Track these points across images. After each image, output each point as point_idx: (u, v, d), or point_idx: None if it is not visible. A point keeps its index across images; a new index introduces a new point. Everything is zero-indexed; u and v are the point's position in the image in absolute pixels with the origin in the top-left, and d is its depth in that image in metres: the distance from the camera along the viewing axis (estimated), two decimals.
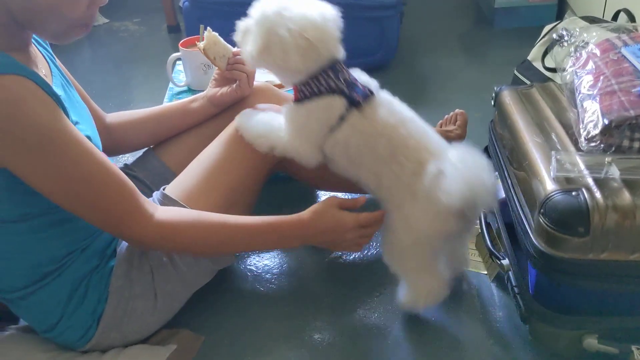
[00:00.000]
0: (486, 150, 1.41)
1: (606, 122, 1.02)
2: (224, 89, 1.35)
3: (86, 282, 1.11)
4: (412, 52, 2.37)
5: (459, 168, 1.02)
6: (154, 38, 2.66)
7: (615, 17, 1.68)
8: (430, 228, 1.09)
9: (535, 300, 1.06)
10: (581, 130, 1.06)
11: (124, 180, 1.01)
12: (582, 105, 1.10)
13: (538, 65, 1.66)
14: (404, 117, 1.13)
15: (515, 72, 1.74)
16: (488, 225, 1.29)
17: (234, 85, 1.34)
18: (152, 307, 1.17)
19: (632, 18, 1.62)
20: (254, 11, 1.12)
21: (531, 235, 1.03)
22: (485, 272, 1.31)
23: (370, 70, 2.15)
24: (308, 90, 1.11)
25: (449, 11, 2.69)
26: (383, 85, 2.22)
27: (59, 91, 1.05)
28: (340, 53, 1.12)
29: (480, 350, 1.14)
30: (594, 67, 1.15)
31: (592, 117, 1.05)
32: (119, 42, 2.60)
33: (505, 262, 1.18)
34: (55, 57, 1.17)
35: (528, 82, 1.65)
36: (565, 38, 1.26)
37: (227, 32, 2.01)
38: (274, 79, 1.57)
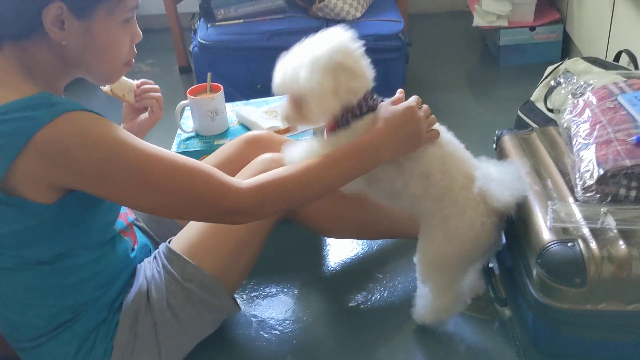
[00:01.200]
0: None
1: (601, 171, 1.04)
2: (139, 119, 1.39)
3: (95, 334, 1.13)
4: (419, 90, 2.37)
5: (503, 175, 1.11)
6: (166, 79, 2.72)
7: (617, 58, 1.70)
8: (476, 238, 1.14)
9: (535, 349, 1.07)
10: (577, 180, 1.08)
11: (201, 165, 1.04)
12: (578, 155, 1.11)
13: (541, 106, 1.68)
14: (448, 135, 1.20)
15: (519, 112, 1.76)
16: (490, 270, 1.29)
17: (147, 113, 1.39)
18: None
19: (633, 59, 1.63)
20: (303, 54, 1.10)
21: (529, 285, 1.04)
22: (488, 317, 1.31)
23: None
24: (350, 114, 1.14)
25: (457, 49, 2.72)
26: None
27: None
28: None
29: None
30: (590, 115, 1.16)
31: (588, 166, 1.07)
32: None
33: (507, 308, 1.18)
34: None
35: (531, 123, 1.67)
36: (563, 85, 1.28)
37: (234, 76, 2.07)
38: (277, 124, 1.61)
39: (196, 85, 1.68)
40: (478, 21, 2.40)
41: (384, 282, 1.46)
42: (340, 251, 1.59)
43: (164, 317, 1.17)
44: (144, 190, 0.99)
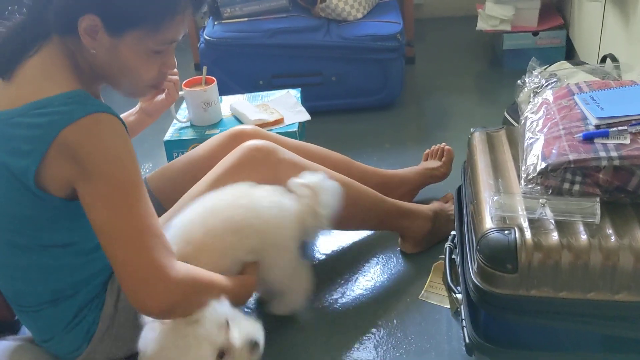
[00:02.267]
0: (459, 190, 1.47)
1: (543, 165, 1.08)
2: (156, 99, 1.48)
3: (89, 306, 1.22)
4: (421, 92, 2.45)
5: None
6: (182, 74, 2.81)
7: (602, 62, 1.73)
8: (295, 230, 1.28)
9: (476, 333, 1.11)
10: (522, 173, 1.12)
11: (163, 235, 1.06)
12: (528, 149, 1.16)
13: (525, 107, 1.71)
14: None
15: (505, 113, 1.80)
16: (452, 260, 1.34)
17: (164, 94, 1.48)
18: (136, 335, 1.27)
19: (616, 62, 1.66)
20: None
21: (471, 271, 1.09)
22: (448, 306, 1.36)
23: (374, 109, 2.26)
24: None
25: (465, 53, 2.76)
26: (388, 123, 2.31)
27: None
28: None
29: None
30: (545, 112, 1.21)
31: (533, 159, 1.11)
32: None
33: (460, 296, 1.24)
34: None
35: (514, 123, 1.71)
36: (527, 84, 1.32)
37: (237, 72, 2.16)
38: (265, 117, 1.69)
39: (192, 78, 1.77)
40: (482, 25, 2.44)
41: (355, 272, 1.53)
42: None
43: None
44: (105, 208, 1.01)
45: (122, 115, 1.49)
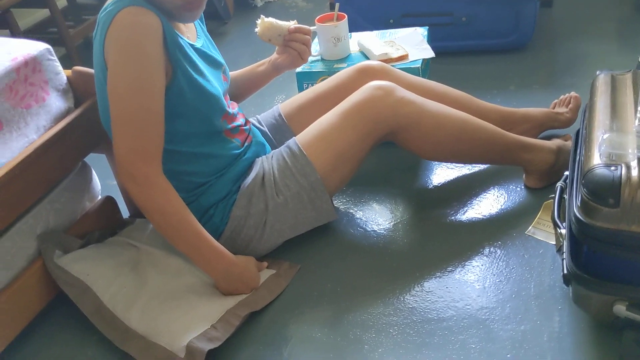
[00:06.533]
0: (577, 133, 1.47)
1: None
2: (284, 56, 1.57)
3: (215, 207, 1.41)
4: (555, 36, 2.38)
5: None
6: (317, 14, 2.94)
7: None
8: None
9: (575, 265, 1.16)
10: (637, 113, 1.13)
11: (162, 131, 1.25)
12: None
13: None
14: None
15: None
16: (562, 198, 1.37)
17: (292, 55, 1.56)
18: (260, 238, 1.43)
19: None
20: None
21: (574, 204, 1.13)
22: (554, 243, 1.40)
23: (503, 52, 2.25)
24: None
25: None
26: (516, 66, 2.29)
27: (198, 44, 1.37)
28: None
29: (526, 307, 1.27)
30: None
31: None
32: (287, 17, 2.94)
33: (564, 231, 1.27)
34: (204, 27, 1.50)
35: None
36: None
37: (370, 9, 2.23)
38: (390, 52, 1.76)
39: (325, 14, 1.88)
40: None
41: (468, 203, 1.59)
42: (434, 172, 1.74)
43: (276, 201, 1.40)
44: (110, 92, 1.22)
45: (256, 63, 1.64)
